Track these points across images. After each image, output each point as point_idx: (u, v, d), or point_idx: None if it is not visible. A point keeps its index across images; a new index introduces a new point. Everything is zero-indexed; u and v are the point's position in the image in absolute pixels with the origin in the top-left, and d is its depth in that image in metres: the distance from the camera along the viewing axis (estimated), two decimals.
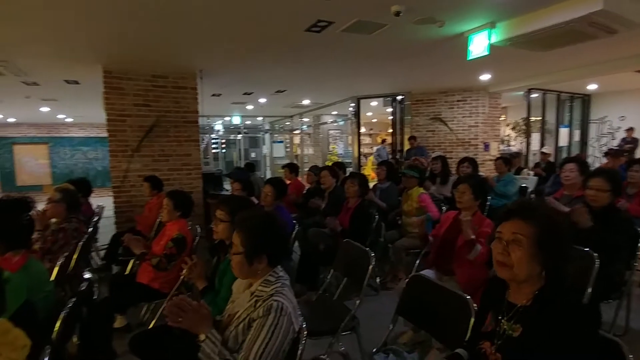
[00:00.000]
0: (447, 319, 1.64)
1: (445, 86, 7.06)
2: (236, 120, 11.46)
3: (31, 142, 11.56)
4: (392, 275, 3.67)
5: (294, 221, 3.35)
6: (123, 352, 2.10)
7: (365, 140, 13.27)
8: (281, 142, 13.19)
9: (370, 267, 2.18)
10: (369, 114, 11.72)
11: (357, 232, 3.20)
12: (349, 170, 7.16)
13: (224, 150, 13.42)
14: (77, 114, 9.94)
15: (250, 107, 9.39)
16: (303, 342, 1.32)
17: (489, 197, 3.75)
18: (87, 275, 2.13)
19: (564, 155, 8.41)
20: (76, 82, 5.78)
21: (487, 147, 7.38)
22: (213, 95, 7.15)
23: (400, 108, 7.87)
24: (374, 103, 8.88)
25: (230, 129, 12.34)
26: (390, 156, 8.71)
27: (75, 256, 2.61)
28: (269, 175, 11.72)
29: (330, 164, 7.23)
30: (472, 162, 4.61)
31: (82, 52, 4.26)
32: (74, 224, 2.84)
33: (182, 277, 2.09)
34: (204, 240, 3.41)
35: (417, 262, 3.19)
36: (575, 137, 9.11)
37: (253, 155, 13.38)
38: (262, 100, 8.31)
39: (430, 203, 3.61)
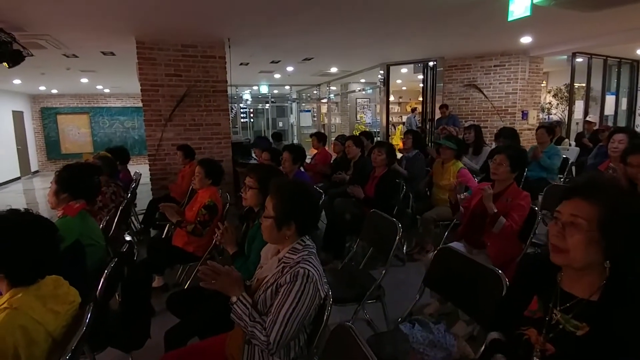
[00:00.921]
0: (476, 292, 1.62)
1: (482, 50, 6.63)
2: (264, 89, 11.43)
3: (73, 112, 12.15)
4: (420, 246, 3.66)
5: (321, 190, 3.38)
6: (161, 310, 2.25)
7: (395, 109, 12.89)
8: (308, 111, 13.08)
9: (397, 237, 2.18)
10: (399, 81, 11.31)
11: (383, 201, 3.18)
12: (377, 140, 7.04)
13: (252, 120, 13.51)
14: (114, 84, 10.27)
15: (277, 75, 9.31)
16: (329, 309, 1.36)
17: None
18: (127, 238, 2.28)
19: (610, 124, 7.82)
20: (112, 54, 5.94)
21: (525, 115, 6.97)
22: (241, 64, 7.11)
23: (432, 74, 7.51)
24: (404, 70, 8.53)
25: (258, 98, 12.34)
26: (419, 125, 8.45)
27: (116, 219, 2.79)
28: (297, 143, 11.76)
29: (357, 133, 7.13)
30: (512, 133, 4.39)
31: (116, 24, 4.34)
32: (112, 188, 3.02)
33: (214, 241, 2.19)
34: (233, 207, 3.52)
35: (446, 234, 3.16)
36: (623, 106, 8.42)
37: (280, 124, 13.41)
38: (290, 68, 8.19)
39: (472, 179, 3.45)
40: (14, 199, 8.14)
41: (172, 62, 5.08)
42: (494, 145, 4.77)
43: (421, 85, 8.15)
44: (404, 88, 13.01)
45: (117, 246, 2.20)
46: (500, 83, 6.91)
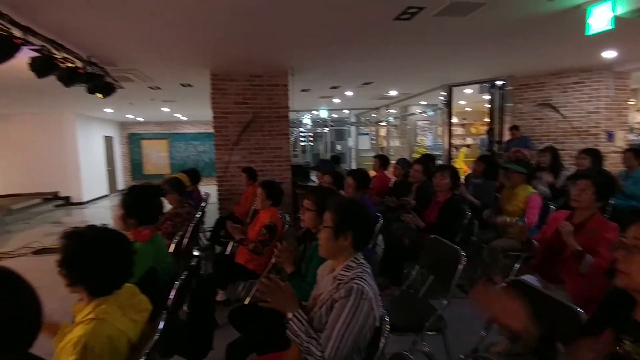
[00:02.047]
0: (553, 333, 1.46)
1: (558, 67, 6.14)
2: (323, 113, 11.76)
3: (154, 137, 13.70)
4: (486, 277, 3.41)
5: (378, 214, 3.34)
6: (223, 323, 2.35)
7: (457, 130, 12.38)
8: (367, 134, 13.13)
9: (460, 266, 2.06)
10: (462, 102, 10.90)
11: (445, 228, 3.04)
12: (438, 163, 6.80)
13: (311, 143, 13.90)
14: (190, 112, 11.37)
15: (336, 100, 9.54)
16: (385, 335, 1.32)
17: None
18: (196, 253, 2.44)
19: None
20: (189, 85, 6.62)
21: (610, 136, 6.26)
22: (302, 90, 7.43)
23: (501, 94, 7.13)
24: (468, 90, 8.23)
25: (317, 122, 12.71)
26: (485, 148, 8.00)
27: (188, 235, 3.01)
28: (354, 168, 11.81)
29: (417, 156, 6.96)
30: (594, 154, 3.96)
31: (194, 59, 4.88)
32: (187, 208, 3.28)
33: (273, 260, 2.26)
34: (292, 228, 3.61)
35: (517, 265, 2.91)
36: None
37: (339, 147, 13.59)
38: (349, 93, 8.36)
39: (535, 207, 3.19)
40: (102, 213, 9.31)
41: (240, 92, 5.51)
42: (572, 169, 4.34)
43: (487, 105, 7.78)
44: (468, 109, 12.51)
45: (187, 260, 2.37)
46: (580, 102, 6.32)
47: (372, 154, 10.52)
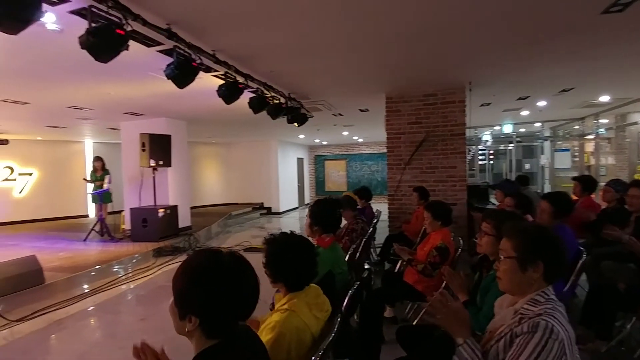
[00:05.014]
0: None
1: None
2: (507, 128, 10.48)
3: (335, 158, 15.55)
4: None
5: (582, 248, 2.73)
6: (390, 340, 2.40)
7: None
8: (567, 150, 10.89)
9: None
10: None
11: None
12: None
13: (491, 162, 12.57)
14: (366, 135, 12.29)
15: (525, 112, 8.38)
16: None
17: None
18: (366, 266, 2.61)
19: None
20: (366, 110, 7.21)
21: None
22: (482, 105, 6.90)
23: None
24: None
25: (499, 138, 11.43)
26: None
27: (360, 249, 3.24)
28: (547, 190, 9.96)
29: (639, 177, 5.32)
30: None
31: (372, 86, 5.31)
32: (360, 224, 3.55)
33: (444, 284, 2.18)
34: (466, 253, 3.37)
35: None
36: None
37: (527, 166, 11.80)
38: (541, 103, 7.22)
39: None
40: (293, 222, 11.12)
41: (414, 112, 5.59)
42: None
43: None
44: None
45: (359, 272, 2.56)
46: None
47: (574, 173, 8.66)
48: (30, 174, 10.20)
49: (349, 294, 1.95)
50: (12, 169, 9.86)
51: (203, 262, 1.04)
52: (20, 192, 10.03)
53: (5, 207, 9.67)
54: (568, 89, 5.98)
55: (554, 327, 1.09)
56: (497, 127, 10.75)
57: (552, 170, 10.90)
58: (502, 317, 1.30)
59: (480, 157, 12.08)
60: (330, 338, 1.50)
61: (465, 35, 3.47)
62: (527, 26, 3.30)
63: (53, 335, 3.49)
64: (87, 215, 10.85)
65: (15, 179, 9.93)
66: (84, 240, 6.98)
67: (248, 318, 1.08)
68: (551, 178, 10.87)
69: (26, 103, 5.56)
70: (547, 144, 11.33)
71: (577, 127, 10.11)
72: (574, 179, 4.52)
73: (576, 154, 10.93)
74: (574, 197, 4.53)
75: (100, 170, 7.32)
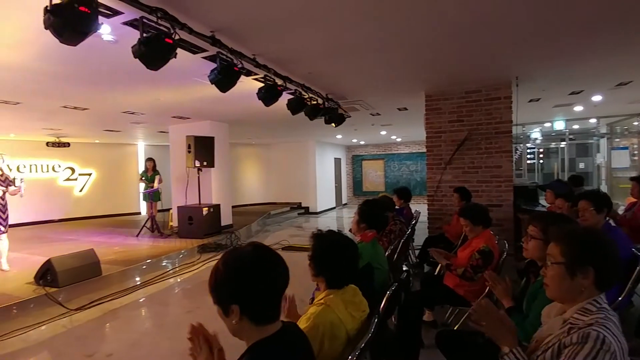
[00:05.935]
0: None
1: None
2: (559, 125, 9.82)
3: (373, 158, 15.30)
4: None
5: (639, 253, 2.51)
6: (429, 345, 2.35)
7: None
8: (625, 148, 9.99)
9: None
10: None
11: None
12: None
13: (541, 161, 11.83)
14: (405, 134, 12.04)
15: (578, 108, 7.82)
16: None
17: None
18: (405, 268, 2.57)
19: None
20: (405, 109, 7.07)
21: None
22: (530, 100, 6.53)
23: None
24: None
25: (550, 136, 10.73)
26: None
27: (398, 250, 3.20)
28: (604, 191, 9.20)
29: None
30: None
31: (411, 85, 5.19)
32: (399, 225, 3.51)
33: (487, 289, 2.10)
34: (511, 257, 3.21)
35: None
36: None
37: (581, 165, 10.98)
38: (597, 98, 6.69)
39: None
40: (330, 221, 11.14)
41: (455, 109, 5.40)
42: None
43: None
44: None
45: (397, 273, 2.53)
46: None
47: (633, 173, 7.94)
48: (90, 174, 11.07)
49: (387, 295, 1.94)
50: (73, 170, 10.75)
51: (225, 259, 1.09)
52: (80, 191, 10.92)
53: (67, 205, 10.57)
54: (625, 83, 5.51)
55: (606, 337, 1.02)
56: (547, 124, 10.09)
57: (608, 169, 10.06)
58: (549, 326, 1.23)
59: (528, 156, 11.40)
60: (367, 338, 1.51)
61: (510, 27, 3.30)
62: (576, 15, 3.08)
63: (108, 324, 3.76)
64: (139, 213, 11.58)
65: (76, 179, 10.81)
66: (137, 235, 7.47)
67: (283, 292, 1.11)
68: (608, 178, 10.04)
69: (85, 109, 6.05)
70: (603, 142, 10.46)
71: (636, 123, 9.24)
72: (633, 179, 4.18)
73: (635, 152, 9.97)
74: (632, 199, 4.18)
75: (152, 170, 7.77)
